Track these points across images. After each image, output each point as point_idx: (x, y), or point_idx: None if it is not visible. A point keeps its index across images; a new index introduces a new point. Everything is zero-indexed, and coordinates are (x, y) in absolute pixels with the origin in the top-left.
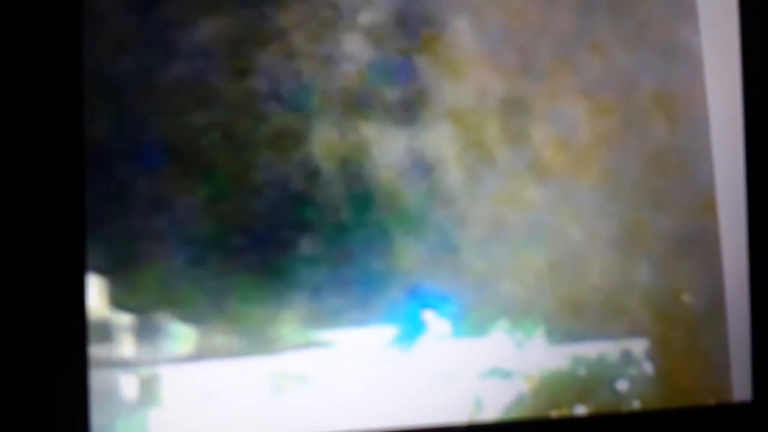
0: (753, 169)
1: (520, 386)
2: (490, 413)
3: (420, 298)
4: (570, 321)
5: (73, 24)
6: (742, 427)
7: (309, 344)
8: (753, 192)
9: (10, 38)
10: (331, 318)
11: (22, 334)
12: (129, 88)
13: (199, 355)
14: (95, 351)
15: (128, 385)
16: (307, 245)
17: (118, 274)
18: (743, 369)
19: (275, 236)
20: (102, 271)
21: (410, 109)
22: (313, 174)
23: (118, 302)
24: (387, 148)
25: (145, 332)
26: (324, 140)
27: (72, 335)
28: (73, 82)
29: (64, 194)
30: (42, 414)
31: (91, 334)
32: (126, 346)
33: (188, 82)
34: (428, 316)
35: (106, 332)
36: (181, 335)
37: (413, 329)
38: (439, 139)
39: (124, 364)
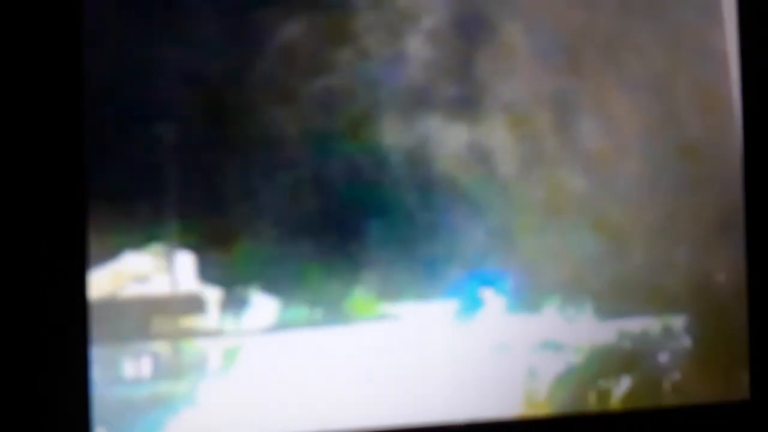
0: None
1: (571, 358)
2: (543, 383)
3: (479, 277)
4: (616, 299)
5: (72, 26)
6: (741, 426)
7: (379, 317)
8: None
9: (15, 37)
10: (399, 293)
11: (23, 326)
12: (222, 85)
13: (279, 325)
14: (186, 322)
15: (214, 354)
16: (376, 228)
17: (208, 251)
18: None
19: (348, 219)
20: (193, 248)
21: (468, 104)
22: (381, 163)
23: (207, 277)
24: (448, 139)
25: (232, 304)
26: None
27: (74, 326)
28: (74, 83)
29: (65, 189)
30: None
31: (183, 306)
32: (213, 317)
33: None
34: (486, 293)
35: (196, 304)
36: (264, 307)
37: (472, 305)
38: (494, 131)
39: (212, 334)
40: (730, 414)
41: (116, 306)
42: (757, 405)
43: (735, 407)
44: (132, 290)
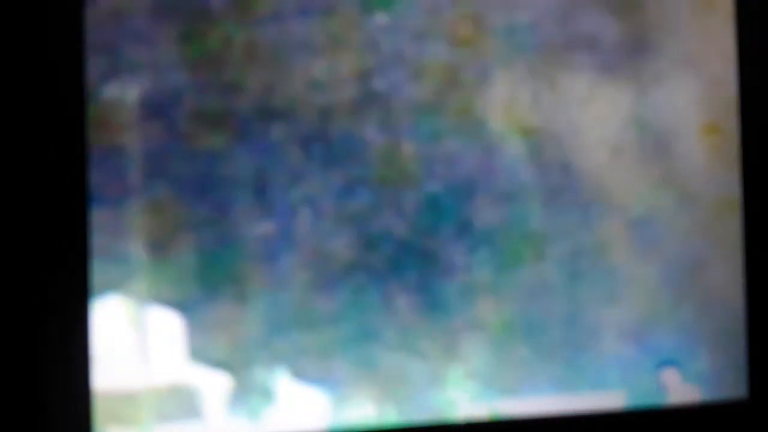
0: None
1: None
2: None
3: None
4: None
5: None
6: (739, 425)
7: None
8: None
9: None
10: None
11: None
12: None
13: None
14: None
15: None
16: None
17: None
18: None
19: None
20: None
21: None
22: None
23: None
24: None
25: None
26: None
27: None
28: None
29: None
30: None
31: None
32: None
33: None
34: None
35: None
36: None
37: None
38: None
39: None
40: (728, 414)
41: None
42: (755, 405)
43: (733, 407)
44: None
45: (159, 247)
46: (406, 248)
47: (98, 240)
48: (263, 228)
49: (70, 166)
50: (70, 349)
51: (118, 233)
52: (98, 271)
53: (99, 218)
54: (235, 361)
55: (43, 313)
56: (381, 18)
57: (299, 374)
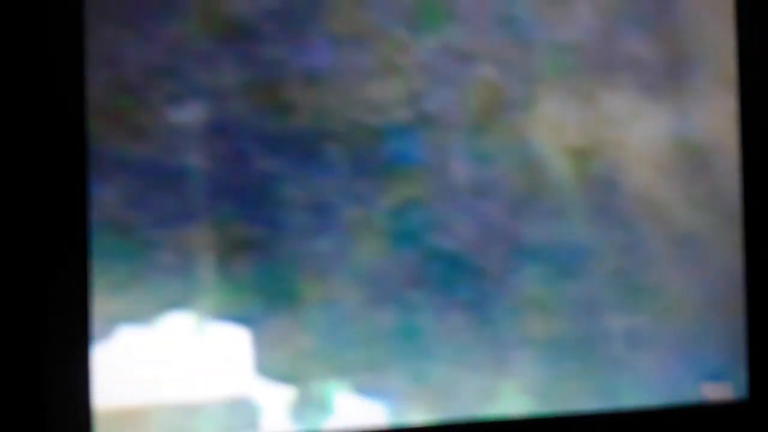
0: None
1: None
2: None
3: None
4: None
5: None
6: (739, 426)
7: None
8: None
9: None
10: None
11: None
12: None
13: None
14: None
15: None
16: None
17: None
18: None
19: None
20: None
21: None
22: None
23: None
24: None
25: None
26: None
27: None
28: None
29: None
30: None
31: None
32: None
33: None
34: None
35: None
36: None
37: None
38: None
39: None
40: (728, 414)
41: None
42: (755, 405)
43: (734, 407)
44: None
45: (222, 265)
46: (459, 266)
47: (166, 258)
48: (322, 245)
49: (70, 169)
50: (71, 362)
51: (184, 251)
52: (166, 287)
53: (167, 237)
54: (294, 375)
55: (43, 319)
56: (430, 41)
57: (356, 387)
